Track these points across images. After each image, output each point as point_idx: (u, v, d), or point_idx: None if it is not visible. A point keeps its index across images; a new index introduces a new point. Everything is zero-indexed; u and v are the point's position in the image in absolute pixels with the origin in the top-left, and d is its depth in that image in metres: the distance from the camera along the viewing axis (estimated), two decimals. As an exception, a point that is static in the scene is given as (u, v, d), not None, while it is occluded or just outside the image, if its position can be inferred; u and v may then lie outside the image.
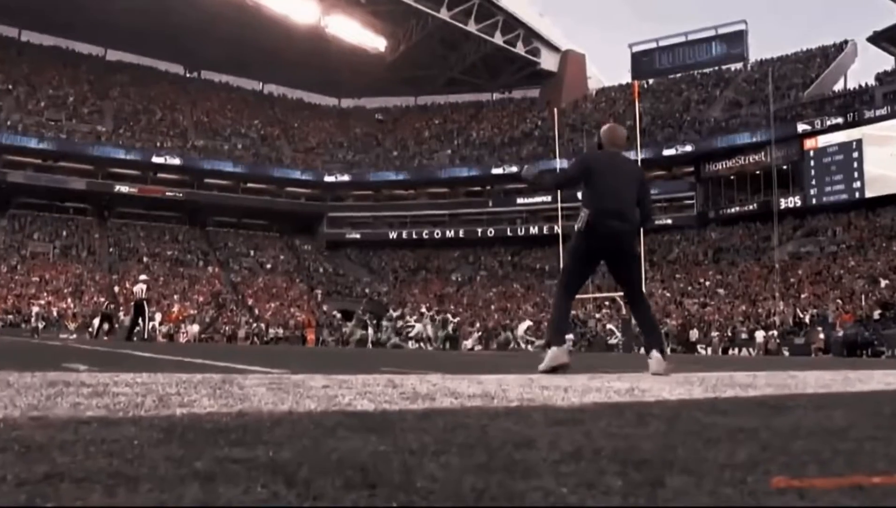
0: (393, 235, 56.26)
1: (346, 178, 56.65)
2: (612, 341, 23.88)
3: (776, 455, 1.41)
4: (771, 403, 2.72)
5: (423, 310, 26.74)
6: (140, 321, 17.64)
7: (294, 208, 55.49)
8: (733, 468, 1.25)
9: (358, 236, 56.73)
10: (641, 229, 5.77)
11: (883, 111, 40.58)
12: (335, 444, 1.37)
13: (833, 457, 1.38)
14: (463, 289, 49.98)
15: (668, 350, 25.41)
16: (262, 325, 38.84)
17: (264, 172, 54.27)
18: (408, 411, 2.06)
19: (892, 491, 1.07)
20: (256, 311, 43.17)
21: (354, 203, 57.75)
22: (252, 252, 52.53)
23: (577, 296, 5.94)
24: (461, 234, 54.98)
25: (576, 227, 5.12)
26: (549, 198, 49.87)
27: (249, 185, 53.73)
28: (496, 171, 54.19)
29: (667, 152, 48.50)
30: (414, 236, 55.85)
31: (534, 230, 53.09)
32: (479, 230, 54.57)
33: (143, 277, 20.19)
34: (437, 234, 55.72)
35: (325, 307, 45.21)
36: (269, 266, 51.12)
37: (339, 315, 42.59)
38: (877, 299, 30.18)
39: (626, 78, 59.52)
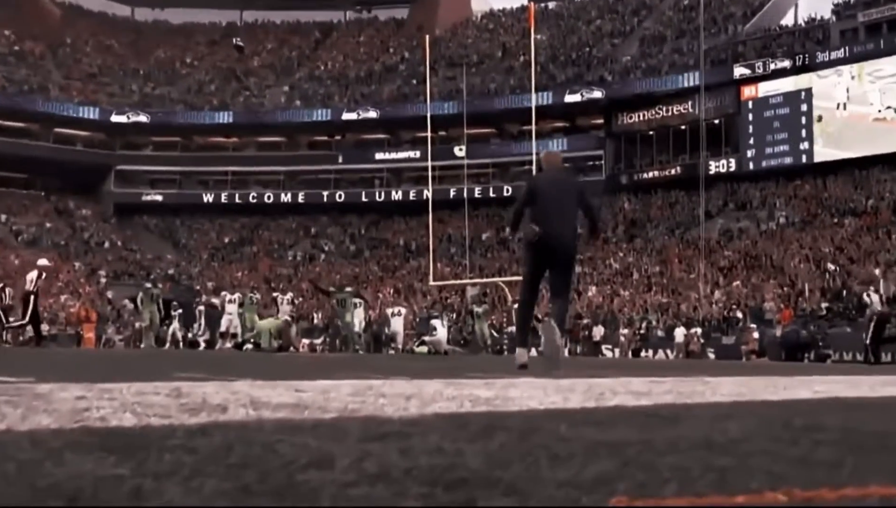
0: (208, 197, 55.00)
1: (142, 118, 54.56)
2: (432, 336, 24.71)
3: (636, 471, 1.53)
4: (664, 413, 2.98)
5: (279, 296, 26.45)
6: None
7: (67, 158, 52.87)
8: (574, 487, 1.34)
9: (159, 198, 55.00)
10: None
11: (839, 53, 43.64)
12: (52, 469, 1.36)
13: (703, 474, 1.51)
14: (302, 270, 49.66)
15: (566, 352, 26.62)
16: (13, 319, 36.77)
17: (22, 105, 51.22)
18: (181, 426, 2.09)
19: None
20: (5, 299, 40.75)
21: (155, 153, 55.84)
22: (3, 218, 49.62)
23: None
24: (301, 198, 54.66)
25: (524, 240, 7.60)
26: (416, 154, 50.48)
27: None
28: (349, 116, 54.11)
29: (570, 99, 50.26)
30: (238, 200, 54.91)
31: (397, 195, 53.62)
32: (326, 194, 54.45)
33: (42, 261, 19.65)
34: (269, 197, 55.06)
35: (110, 295, 43.45)
36: (27, 238, 48.48)
37: (130, 306, 40.98)
38: (823, 289, 32.76)
39: (522, -1, 60.94)
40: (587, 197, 7.85)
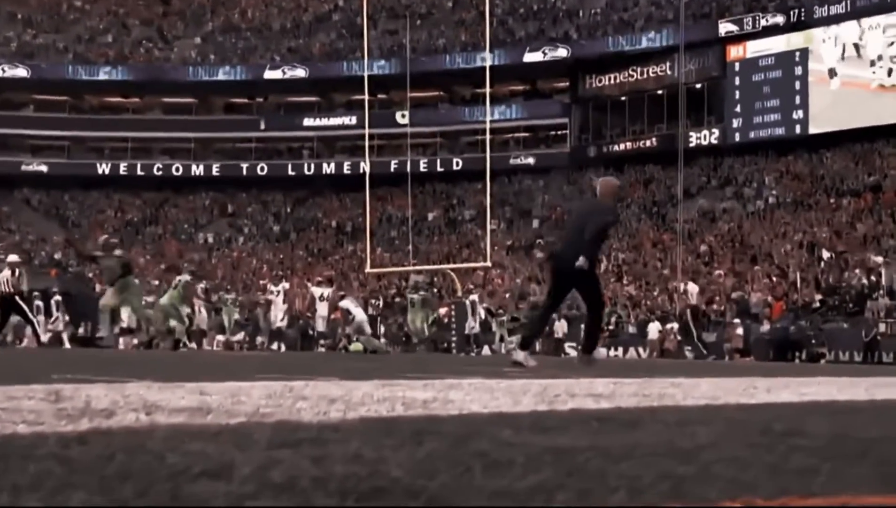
0: (104, 168, 54.25)
1: (21, 72, 53.49)
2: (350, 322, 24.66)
3: (582, 480, 1.57)
4: (624, 417, 3.07)
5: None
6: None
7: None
8: (507, 497, 1.37)
9: (44, 168, 54.05)
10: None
11: (839, 8, 44.23)
12: None
13: (657, 483, 1.55)
14: (216, 254, 49.28)
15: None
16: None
17: None
18: (54, 433, 2.08)
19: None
20: None
21: (37, 115, 54.76)
22: None
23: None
24: (215, 170, 54.21)
25: None
26: (352, 120, 50.28)
27: None
28: (272, 74, 53.64)
29: (529, 58, 50.44)
30: (140, 172, 54.24)
31: (329, 168, 53.45)
32: (245, 166, 54.06)
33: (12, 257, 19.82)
34: (178, 169, 54.49)
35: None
36: None
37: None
38: (817, 279, 33.41)
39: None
40: (590, 229, 9.57)
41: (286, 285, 26.29)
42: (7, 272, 18.39)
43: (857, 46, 43.15)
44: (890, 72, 42.34)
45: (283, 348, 24.99)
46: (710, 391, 4.97)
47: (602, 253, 10.63)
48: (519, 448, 2.00)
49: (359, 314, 23.14)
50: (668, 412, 3.42)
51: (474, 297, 33.13)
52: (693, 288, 31.02)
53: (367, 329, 23.59)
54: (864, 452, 2.05)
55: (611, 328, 33.35)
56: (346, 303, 24.20)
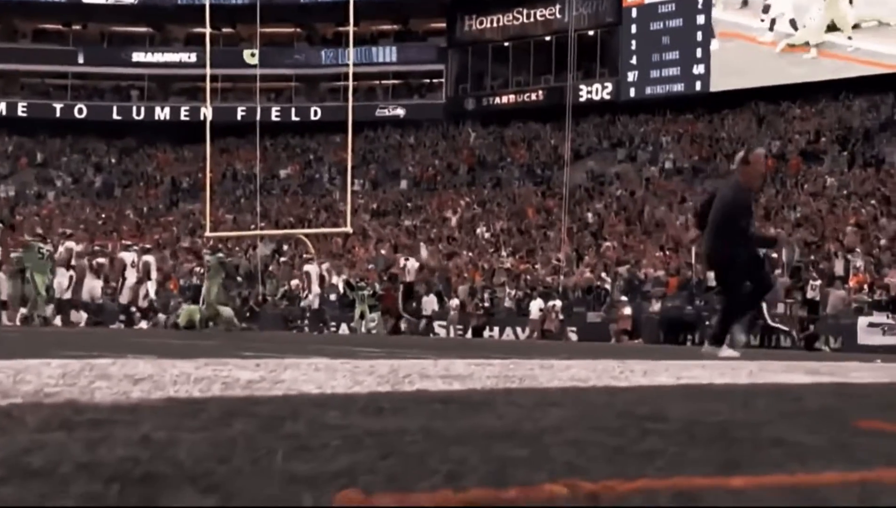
0: None
1: None
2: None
3: (398, 464, 1.60)
4: (474, 399, 3.13)
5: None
6: None
7: None
8: (304, 482, 1.39)
9: None
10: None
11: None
12: None
13: (482, 466, 1.61)
14: (21, 211, 47.85)
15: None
16: None
17: None
18: None
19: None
20: None
21: None
22: None
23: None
24: (21, 110, 52.61)
25: None
26: (191, 57, 49.36)
27: None
28: (95, -3, 52.17)
29: (402, -8, 50.37)
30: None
31: (163, 113, 52.51)
32: (59, 106, 52.61)
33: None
34: (-23, 110, 52.61)
35: None
36: None
37: None
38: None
39: None
40: (715, 218, 10.07)
41: (73, 244, 25.60)
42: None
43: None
44: (793, 24, 43.56)
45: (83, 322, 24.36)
46: (580, 373, 5.07)
47: (751, 235, 10.55)
48: (339, 430, 2.03)
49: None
50: (526, 394, 3.50)
51: (313, 267, 33.15)
52: (413, 264, 31.96)
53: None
54: (717, 436, 2.14)
55: (486, 305, 33.76)
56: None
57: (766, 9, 44.18)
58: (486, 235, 41.52)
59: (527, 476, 1.51)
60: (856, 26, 42.04)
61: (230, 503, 1.25)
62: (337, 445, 1.80)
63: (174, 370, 3.98)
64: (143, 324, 25.19)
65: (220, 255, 25.33)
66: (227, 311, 24.08)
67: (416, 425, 2.19)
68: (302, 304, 32.45)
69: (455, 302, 33.40)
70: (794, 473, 1.58)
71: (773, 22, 43.98)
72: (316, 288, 32.07)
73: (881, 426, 2.49)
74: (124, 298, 25.71)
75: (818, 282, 29.08)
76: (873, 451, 1.98)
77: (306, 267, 32.41)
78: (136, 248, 27.04)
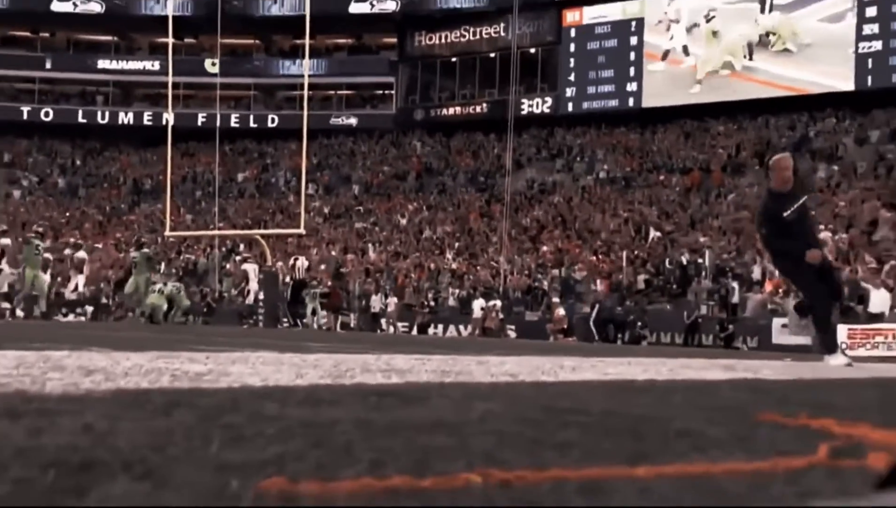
0: None
1: None
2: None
3: (326, 453, 1.61)
4: (409, 393, 3.17)
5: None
6: None
7: None
8: (234, 470, 1.39)
9: None
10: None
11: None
12: None
13: (405, 456, 1.62)
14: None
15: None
16: None
17: None
18: None
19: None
20: None
21: None
22: None
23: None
24: (-6, 113, 51.74)
25: None
26: (154, 65, 48.98)
27: None
28: (61, 7, 51.48)
29: (356, 9, 50.36)
30: None
31: (126, 118, 52.03)
32: (26, 109, 51.89)
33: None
34: (-55, 109, 51.78)
35: None
36: None
37: None
38: (644, 259, 34.71)
39: None
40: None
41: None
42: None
43: (690, 18, 44.83)
44: (685, 51, 44.15)
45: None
46: (512, 369, 5.10)
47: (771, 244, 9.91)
48: (275, 421, 2.03)
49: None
50: (458, 388, 3.50)
51: (251, 265, 33.12)
52: (303, 263, 32.20)
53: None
54: (631, 429, 2.16)
55: (431, 304, 33.83)
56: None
57: (671, 37, 45.02)
58: (433, 237, 41.58)
59: (446, 466, 1.51)
60: (770, 46, 42.75)
61: (162, 489, 1.24)
62: (270, 435, 1.80)
63: (127, 363, 3.96)
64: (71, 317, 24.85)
65: (146, 250, 25.06)
66: (155, 301, 24.00)
67: (350, 416, 2.19)
68: (246, 301, 32.36)
69: (390, 300, 33.41)
70: (695, 463, 1.60)
71: (667, 53, 44.87)
72: (255, 285, 32.04)
73: (779, 419, 2.52)
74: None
75: (736, 286, 29.45)
76: (769, 442, 2.02)
77: (244, 265, 32.28)
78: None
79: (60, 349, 4.87)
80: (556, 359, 7.07)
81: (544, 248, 37.85)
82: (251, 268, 33.26)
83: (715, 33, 44.33)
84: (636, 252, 35.43)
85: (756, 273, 30.35)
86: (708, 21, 44.51)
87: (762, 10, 43.36)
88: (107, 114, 52.06)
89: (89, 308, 28.70)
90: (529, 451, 1.73)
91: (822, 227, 27.20)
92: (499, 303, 31.69)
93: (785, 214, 8.98)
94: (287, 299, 30.27)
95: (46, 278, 23.04)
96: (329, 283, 32.69)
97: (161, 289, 25.43)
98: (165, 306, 24.95)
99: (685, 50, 44.81)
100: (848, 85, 41.47)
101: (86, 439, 1.63)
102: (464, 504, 1.24)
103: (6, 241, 25.35)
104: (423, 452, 1.65)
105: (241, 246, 40.46)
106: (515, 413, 2.49)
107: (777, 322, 26.74)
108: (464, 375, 4.29)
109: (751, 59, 43.58)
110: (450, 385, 3.61)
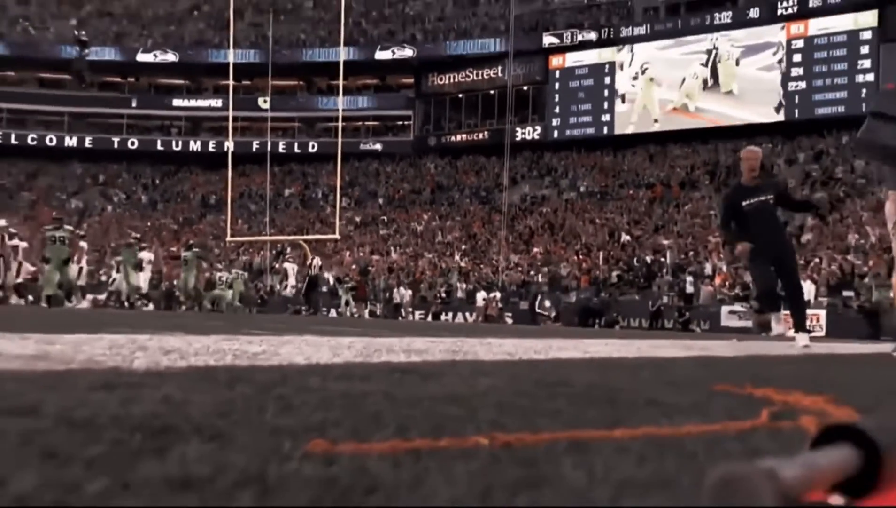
0: (-21, 137, 51.13)
1: None
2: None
3: (359, 420, 1.60)
4: (425, 370, 3.13)
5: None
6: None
7: None
8: (285, 433, 1.38)
9: (-81, 135, 50.57)
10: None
11: (642, 30, 45.97)
12: None
13: (424, 422, 1.61)
14: (87, 221, 47.24)
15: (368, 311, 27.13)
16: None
17: None
18: None
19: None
20: None
21: (-86, 84, 51.14)
22: None
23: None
24: (88, 143, 51.93)
25: None
26: (218, 102, 49.01)
27: None
28: (144, 57, 51.70)
29: (381, 56, 50.28)
30: (14, 141, 51.51)
31: (195, 146, 52.04)
32: (117, 140, 51.98)
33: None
34: (52, 140, 51.98)
35: None
36: None
37: None
38: (617, 258, 34.67)
39: (335, -53, 60.04)
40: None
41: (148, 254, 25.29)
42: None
43: (653, 64, 44.78)
44: (673, 96, 44.16)
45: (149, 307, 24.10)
46: (510, 349, 5.08)
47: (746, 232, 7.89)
48: (317, 393, 2.02)
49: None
50: (467, 365, 3.47)
51: (290, 264, 32.98)
52: (317, 261, 32.07)
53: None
54: (610, 398, 2.15)
55: (443, 296, 33.82)
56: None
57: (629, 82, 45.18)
58: (444, 241, 41.56)
59: (459, 430, 1.51)
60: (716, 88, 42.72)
61: (227, 449, 1.24)
62: (313, 404, 1.79)
63: (197, 344, 3.96)
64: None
65: (196, 250, 24.56)
66: (220, 293, 23.83)
67: (378, 389, 2.18)
68: (284, 293, 32.08)
69: (403, 292, 33.34)
70: (662, 426, 1.60)
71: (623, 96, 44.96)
72: (293, 280, 31.81)
73: (730, 388, 2.52)
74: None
75: (692, 279, 29.39)
76: (722, 409, 2.00)
77: (285, 264, 32.01)
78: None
79: (144, 333, 4.88)
80: (546, 341, 7.05)
81: (535, 249, 37.81)
82: (290, 267, 33.13)
83: (651, 80, 44.40)
84: (610, 252, 35.37)
85: (708, 269, 30.30)
86: (643, 72, 44.60)
87: (706, 63, 43.48)
88: (180, 143, 52.16)
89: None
90: (526, 418, 1.73)
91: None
92: (498, 295, 31.69)
93: (744, 203, 7.95)
94: (303, 291, 29.80)
95: (145, 275, 22.88)
96: (357, 278, 32.65)
97: (226, 279, 25.40)
98: (229, 297, 24.92)
99: (626, 97, 45.05)
100: (779, 116, 41.53)
101: (165, 408, 1.62)
102: (474, 460, 1.24)
103: (149, 255, 25.00)
104: (439, 419, 1.65)
105: (288, 249, 40.45)
106: (514, 387, 2.48)
107: (725, 309, 26.74)
108: (470, 355, 4.28)
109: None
110: (460, 363, 3.60)
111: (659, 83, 44.49)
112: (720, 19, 43.39)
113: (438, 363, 3.50)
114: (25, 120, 51.94)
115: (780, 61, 41.77)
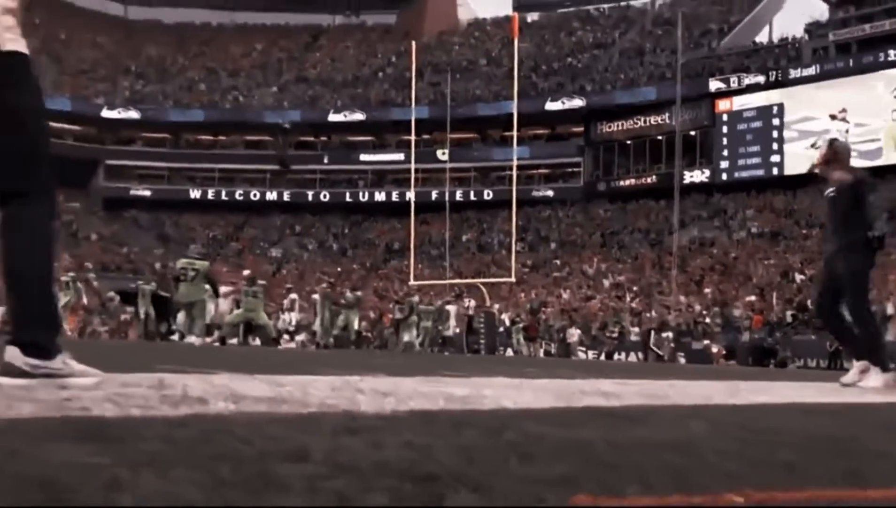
0: (196, 193, 54.72)
1: (133, 114, 54.21)
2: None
3: (600, 470, 1.55)
4: (631, 414, 3.02)
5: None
6: None
7: (58, 152, 52.25)
8: (540, 484, 1.35)
9: (148, 193, 54.66)
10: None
11: (811, 71, 44.07)
12: (30, 456, 1.34)
13: (664, 474, 1.53)
14: (285, 267, 49.52)
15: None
16: None
17: (14, 98, 50.88)
18: (162, 417, 2.07)
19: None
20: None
21: (144, 149, 55.50)
22: (-8, 209, 49.06)
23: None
24: (286, 196, 54.52)
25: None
26: (400, 156, 50.43)
27: (-10, 115, 50.23)
28: (335, 117, 54.01)
29: (551, 106, 50.37)
30: (224, 197, 54.69)
31: (380, 196, 53.63)
32: (311, 193, 54.37)
33: None
34: (255, 195, 54.89)
35: (96, 285, 43.04)
36: (16, 230, 47.96)
37: (117, 297, 40.66)
38: (790, 298, 33.01)
39: (506, 9, 61.03)
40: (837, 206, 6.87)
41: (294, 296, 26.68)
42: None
43: (823, 103, 42.75)
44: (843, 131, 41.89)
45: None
46: (700, 391, 4.91)
47: None
48: (543, 440, 1.98)
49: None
50: (666, 410, 3.38)
51: (452, 306, 32.77)
52: (472, 303, 30.92)
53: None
54: (836, 449, 2.03)
55: (615, 335, 33.16)
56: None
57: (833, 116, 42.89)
58: (614, 283, 40.88)
59: (702, 483, 1.46)
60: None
61: (492, 500, 1.23)
62: (548, 452, 1.76)
63: (406, 387, 3.99)
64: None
65: (356, 293, 25.26)
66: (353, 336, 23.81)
67: (598, 436, 2.14)
68: (446, 334, 31.85)
69: (572, 330, 32.73)
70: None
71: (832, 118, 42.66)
72: (452, 322, 31.44)
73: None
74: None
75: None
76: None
77: (448, 307, 31.89)
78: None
79: (352, 374, 4.93)
80: (731, 383, 6.75)
81: (706, 290, 36.58)
82: (452, 309, 33.02)
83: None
84: (784, 292, 33.74)
85: (889, 309, 28.33)
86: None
87: None
88: (366, 194, 54.00)
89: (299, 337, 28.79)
90: (757, 468, 1.65)
91: None
92: (670, 334, 30.76)
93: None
94: (464, 332, 29.73)
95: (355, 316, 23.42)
96: (529, 318, 32.45)
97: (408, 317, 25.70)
98: (415, 337, 25.26)
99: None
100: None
101: (412, 453, 1.62)
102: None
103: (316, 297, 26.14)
104: (675, 470, 1.59)
105: (465, 292, 40.81)
106: (730, 434, 2.37)
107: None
108: (664, 398, 4.15)
109: None
110: (658, 408, 3.49)
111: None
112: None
113: (638, 408, 3.41)
114: (234, 178, 55.25)
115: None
